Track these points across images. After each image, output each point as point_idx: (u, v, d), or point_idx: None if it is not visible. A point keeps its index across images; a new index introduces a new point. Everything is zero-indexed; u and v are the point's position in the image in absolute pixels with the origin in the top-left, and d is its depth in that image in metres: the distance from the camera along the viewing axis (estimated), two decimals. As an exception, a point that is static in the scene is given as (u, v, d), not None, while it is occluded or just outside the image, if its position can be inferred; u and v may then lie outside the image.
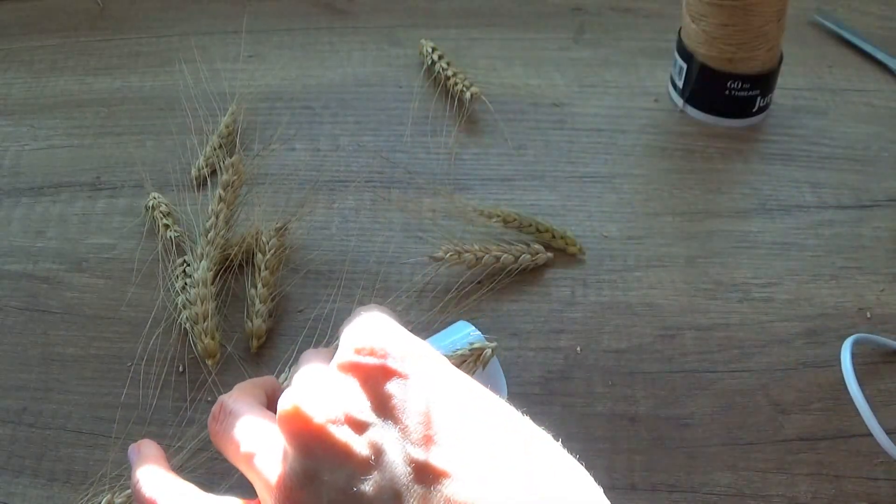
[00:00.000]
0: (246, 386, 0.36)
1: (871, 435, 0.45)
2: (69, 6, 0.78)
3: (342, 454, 0.28)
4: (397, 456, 0.28)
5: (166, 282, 0.54)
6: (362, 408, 0.29)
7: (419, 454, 0.27)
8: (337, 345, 0.32)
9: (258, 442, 0.32)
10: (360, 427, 0.28)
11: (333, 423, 0.28)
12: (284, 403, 0.30)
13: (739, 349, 0.51)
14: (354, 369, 0.30)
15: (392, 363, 0.29)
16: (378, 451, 0.28)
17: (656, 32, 0.74)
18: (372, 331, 0.31)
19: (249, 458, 0.31)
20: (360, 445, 0.28)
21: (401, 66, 0.71)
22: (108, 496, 0.43)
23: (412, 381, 0.29)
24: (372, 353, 0.30)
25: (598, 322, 0.52)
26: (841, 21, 0.76)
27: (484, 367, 0.43)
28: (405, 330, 0.32)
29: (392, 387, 0.29)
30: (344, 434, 0.28)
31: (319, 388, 0.30)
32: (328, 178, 0.61)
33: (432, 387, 0.29)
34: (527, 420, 0.30)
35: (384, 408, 0.29)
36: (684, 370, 0.50)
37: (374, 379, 0.29)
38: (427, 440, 0.28)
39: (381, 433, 0.28)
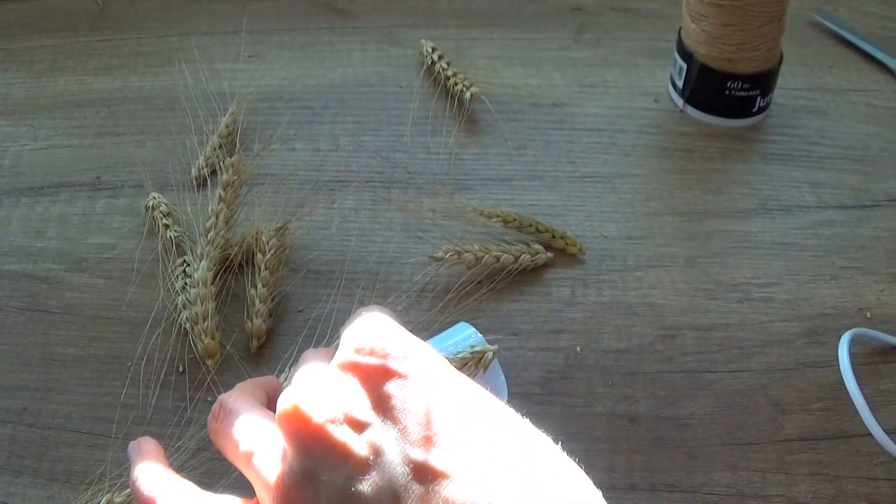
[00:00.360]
0: (246, 385, 0.36)
1: (871, 435, 0.45)
2: (69, 6, 0.78)
3: (341, 454, 0.28)
4: (396, 456, 0.28)
5: (166, 282, 0.54)
6: (362, 407, 0.29)
7: (418, 454, 0.27)
8: (337, 344, 0.32)
9: (257, 441, 0.32)
10: (359, 427, 0.28)
11: (332, 422, 0.28)
12: (284, 402, 0.30)
13: (739, 349, 0.51)
14: (354, 369, 0.30)
15: (392, 363, 0.29)
16: (377, 452, 0.28)
17: (656, 32, 0.74)
18: (372, 331, 0.31)
19: (248, 456, 0.31)
20: (358, 445, 0.28)
21: (401, 66, 0.71)
22: (108, 496, 0.43)
23: (412, 381, 0.29)
24: (372, 352, 0.30)
25: (598, 322, 0.52)
26: (841, 21, 0.76)
27: (485, 371, 0.43)
28: (405, 330, 0.32)
29: (391, 387, 0.29)
30: (343, 434, 0.28)
31: (319, 388, 0.30)
32: (328, 178, 0.61)
33: (432, 387, 0.29)
34: (526, 422, 0.30)
35: (383, 408, 0.29)
36: (684, 370, 0.50)
37: (374, 379, 0.29)
38: (426, 441, 0.28)
39: (380, 433, 0.28)
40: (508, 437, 0.29)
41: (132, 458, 0.36)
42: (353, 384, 0.29)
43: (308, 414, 0.29)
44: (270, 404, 0.35)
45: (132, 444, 0.37)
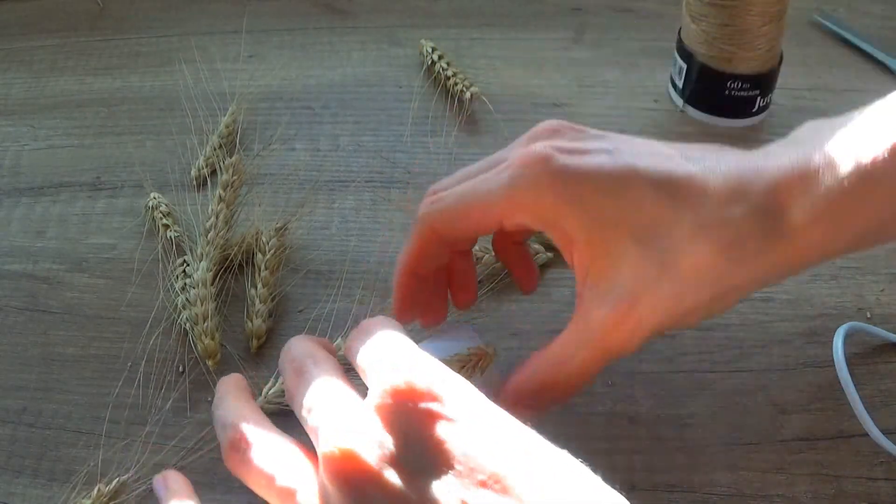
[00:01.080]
0: (239, 394, 0.36)
1: (870, 435, 0.45)
2: (69, 6, 0.78)
3: (394, 499, 0.28)
4: (452, 501, 0.27)
5: (166, 282, 0.54)
6: (412, 452, 0.28)
7: (474, 499, 0.27)
8: (329, 338, 0.31)
9: (297, 477, 0.31)
10: (410, 473, 0.28)
11: (385, 467, 0.28)
12: (330, 445, 0.29)
13: (739, 349, 0.51)
14: (396, 411, 0.29)
15: (438, 407, 0.29)
16: (430, 499, 0.28)
17: (656, 32, 0.74)
18: (402, 364, 0.30)
19: (289, 494, 0.31)
20: (412, 491, 0.28)
21: (401, 66, 0.71)
22: (108, 496, 0.43)
23: (460, 424, 0.29)
24: (412, 393, 0.29)
25: (598, 322, 0.52)
26: (841, 21, 0.76)
27: (482, 374, 0.43)
28: (432, 359, 0.31)
29: (441, 431, 0.28)
30: (395, 479, 0.28)
31: (365, 430, 0.29)
32: (328, 178, 0.61)
33: (481, 430, 0.29)
34: (568, 455, 0.29)
35: (434, 452, 0.28)
36: (684, 370, 0.50)
37: (421, 422, 0.29)
38: (481, 485, 0.27)
39: (433, 478, 0.28)
40: (560, 480, 0.28)
41: (160, 495, 0.36)
42: (399, 426, 0.29)
43: (362, 458, 0.28)
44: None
45: (157, 478, 0.37)
